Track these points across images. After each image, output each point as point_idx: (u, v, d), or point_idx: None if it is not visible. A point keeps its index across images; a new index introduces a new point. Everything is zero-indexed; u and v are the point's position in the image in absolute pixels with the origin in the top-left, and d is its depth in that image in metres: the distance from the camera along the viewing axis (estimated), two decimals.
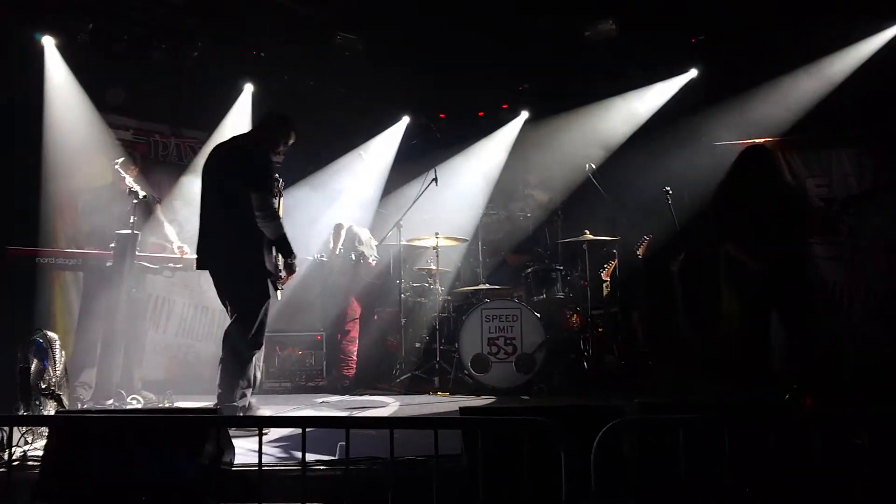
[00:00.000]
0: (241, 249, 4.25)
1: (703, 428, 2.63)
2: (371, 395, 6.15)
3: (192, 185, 7.11)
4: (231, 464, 3.18)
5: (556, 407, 3.42)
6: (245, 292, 4.30)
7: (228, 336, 4.31)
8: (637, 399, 3.24)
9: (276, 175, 4.46)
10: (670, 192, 6.12)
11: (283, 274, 4.45)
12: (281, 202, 4.53)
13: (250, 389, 4.33)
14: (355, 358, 6.79)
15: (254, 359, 4.40)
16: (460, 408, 3.18)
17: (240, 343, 4.26)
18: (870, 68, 6.29)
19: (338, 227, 7.20)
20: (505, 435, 2.74)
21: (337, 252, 7.10)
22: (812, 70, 6.49)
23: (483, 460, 2.66)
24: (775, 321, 4.52)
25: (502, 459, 2.66)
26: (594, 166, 6.83)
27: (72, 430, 2.94)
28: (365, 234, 7.23)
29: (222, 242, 4.30)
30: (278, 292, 4.47)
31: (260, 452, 2.60)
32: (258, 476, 2.61)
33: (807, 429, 2.82)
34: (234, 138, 4.69)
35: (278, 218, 4.29)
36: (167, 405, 5.13)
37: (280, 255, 4.40)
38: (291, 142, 4.66)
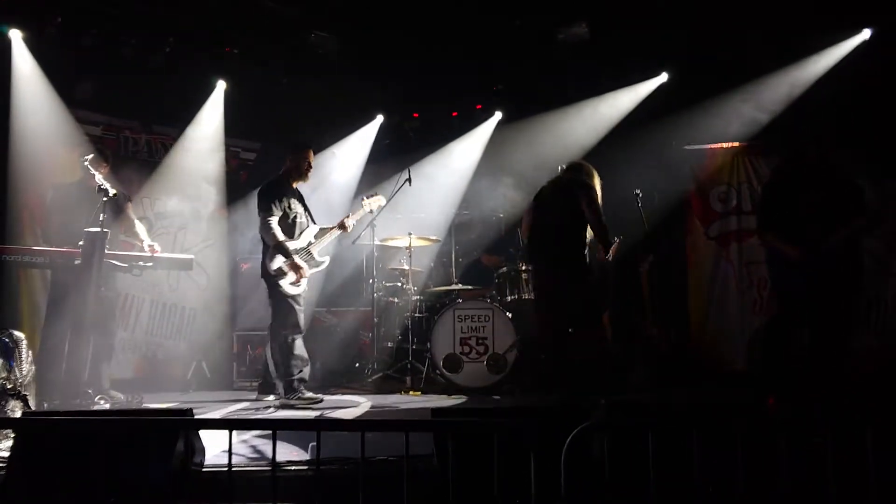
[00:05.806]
0: (262, 262, 5.48)
1: (671, 430, 2.68)
2: (342, 394, 6.15)
3: (163, 183, 7.09)
4: (201, 465, 3.17)
5: (526, 407, 3.45)
6: (270, 294, 5.45)
7: (271, 330, 5.47)
8: (604, 400, 3.28)
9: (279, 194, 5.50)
10: (640, 194, 6.20)
11: (288, 272, 5.36)
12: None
13: (308, 366, 5.40)
14: None
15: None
16: (432, 410, 3.22)
17: (279, 334, 5.36)
18: (834, 76, 6.44)
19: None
20: (476, 436, 2.77)
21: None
22: (780, 76, 6.62)
23: (454, 462, 2.68)
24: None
25: (473, 461, 2.68)
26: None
27: (38, 432, 2.91)
28: None
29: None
30: (293, 286, 5.37)
31: (230, 454, 2.60)
32: (228, 477, 2.61)
33: (770, 431, 2.87)
34: None
35: (272, 229, 5.34)
36: (136, 405, 5.09)
37: (282, 257, 5.36)
38: (310, 160, 5.66)
